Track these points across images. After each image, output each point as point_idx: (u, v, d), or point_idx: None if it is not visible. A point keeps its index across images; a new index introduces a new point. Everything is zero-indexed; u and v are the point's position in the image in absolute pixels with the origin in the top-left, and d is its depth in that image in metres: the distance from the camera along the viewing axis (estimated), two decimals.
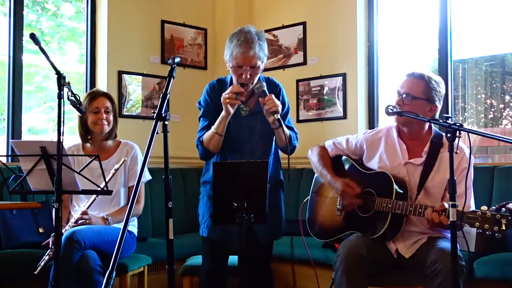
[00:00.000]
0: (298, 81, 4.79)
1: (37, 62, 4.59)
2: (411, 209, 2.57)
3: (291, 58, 4.88)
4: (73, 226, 3.05)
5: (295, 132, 2.90)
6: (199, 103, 2.92)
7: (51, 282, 2.84)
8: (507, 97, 4.50)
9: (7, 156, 4.00)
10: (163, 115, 2.09)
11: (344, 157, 2.99)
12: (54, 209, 2.31)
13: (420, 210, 2.54)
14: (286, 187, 3.00)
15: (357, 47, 4.50)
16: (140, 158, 3.38)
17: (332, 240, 2.97)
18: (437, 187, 2.69)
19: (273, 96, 2.66)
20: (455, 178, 2.16)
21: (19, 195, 3.57)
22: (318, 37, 4.72)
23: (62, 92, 2.32)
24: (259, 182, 2.32)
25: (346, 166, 2.96)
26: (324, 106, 4.65)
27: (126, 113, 4.59)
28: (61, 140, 2.30)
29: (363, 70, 4.54)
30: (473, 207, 2.63)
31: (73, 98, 2.40)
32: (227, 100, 2.64)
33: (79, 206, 3.23)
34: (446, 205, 2.36)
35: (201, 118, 2.90)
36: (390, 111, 2.63)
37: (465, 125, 2.41)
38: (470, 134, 2.25)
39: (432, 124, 2.76)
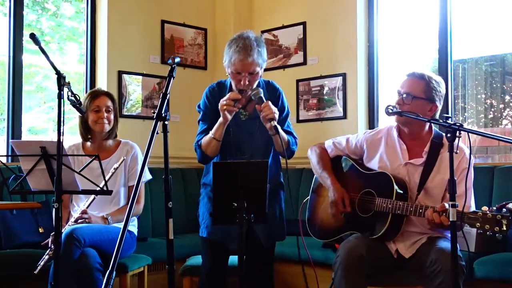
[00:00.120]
0: (298, 81, 4.79)
1: (37, 62, 4.58)
2: (411, 209, 2.57)
3: (291, 58, 4.88)
4: (73, 225, 3.05)
5: (295, 137, 2.90)
6: (199, 106, 2.92)
7: (50, 282, 2.84)
8: (507, 97, 4.50)
9: (7, 156, 4.00)
10: (163, 115, 2.09)
11: (344, 157, 2.99)
12: (54, 209, 2.31)
13: (420, 210, 2.54)
14: (286, 187, 3.00)
15: (357, 47, 4.50)
16: (140, 157, 3.38)
17: (332, 240, 2.97)
18: (437, 187, 2.69)
19: (269, 103, 2.66)
20: (455, 178, 2.16)
21: (19, 195, 3.57)
22: (318, 37, 4.72)
23: (62, 92, 2.32)
24: (259, 182, 2.32)
25: (346, 167, 2.96)
26: (324, 106, 4.65)
27: (126, 113, 4.58)
28: (61, 140, 2.30)
29: (363, 70, 4.54)
30: (473, 207, 2.63)
31: (73, 98, 2.40)
32: (225, 107, 2.64)
33: (79, 206, 3.23)
34: (447, 205, 2.35)
35: (200, 122, 2.90)
36: (390, 111, 2.63)
37: (465, 125, 2.41)
38: (470, 134, 2.25)
39: (432, 124, 2.76)
